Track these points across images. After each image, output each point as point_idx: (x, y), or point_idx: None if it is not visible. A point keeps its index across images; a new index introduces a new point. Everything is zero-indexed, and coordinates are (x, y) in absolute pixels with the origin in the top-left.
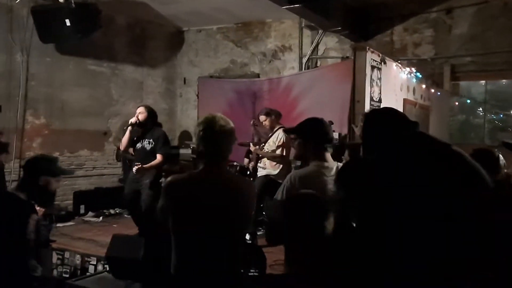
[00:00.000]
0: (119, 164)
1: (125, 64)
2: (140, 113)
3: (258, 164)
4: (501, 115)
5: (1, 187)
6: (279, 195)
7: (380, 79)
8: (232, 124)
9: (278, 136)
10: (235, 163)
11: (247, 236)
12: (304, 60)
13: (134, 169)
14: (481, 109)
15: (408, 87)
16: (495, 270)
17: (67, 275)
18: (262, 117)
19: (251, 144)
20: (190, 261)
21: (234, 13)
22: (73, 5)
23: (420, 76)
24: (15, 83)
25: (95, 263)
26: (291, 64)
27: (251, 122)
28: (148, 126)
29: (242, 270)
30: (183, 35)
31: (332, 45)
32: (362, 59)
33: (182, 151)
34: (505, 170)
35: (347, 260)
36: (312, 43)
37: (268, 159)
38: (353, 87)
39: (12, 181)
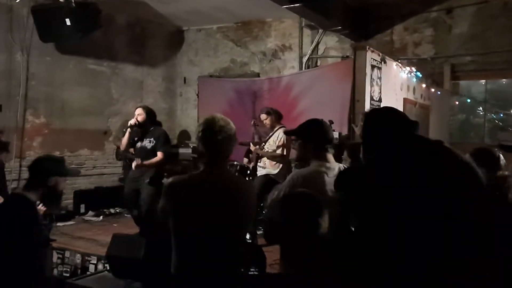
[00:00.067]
0: (119, 163)
1: (125, 63)
2: (139, 115)
3: (258, 164)
4: (501, 114)
5: (2, 186)
6: (281, 193)
7: (380, 78)
8: (232, 125)
9: (279, 136)
10: (235, 163)
11: (247, 236)
12: (304, 59)
13: (134, 164)
14: (481, 108)
15: (408, 87)
16: (494, 270)
17: (68, 274)
18: (263, 116)
19: (251, 144)
20: (190, 261)
21: (234, 12)
22: (73, 4)
23: (420, 75)
24: (15, 83)
25: (95, 262)
26: (291, 64)
27: (252, 122)
28: (148, 126)
29: (242, 270)
30: (183, 34)
31: (332, 44)
32: (362, 58)
33: (181, 150)
34: (506, 173)
35: (347, 260)
36: (312, 43)
37: (268, 158)
38: (353, 87)
39: (12, 180)
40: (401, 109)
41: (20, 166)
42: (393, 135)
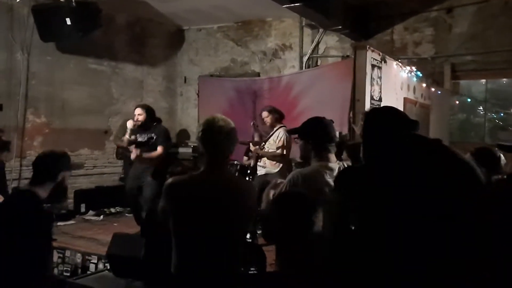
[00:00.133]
0: (120, 162)
1: (125, 62)
2: (139, 114)
3: (258, 163)
4: (502, 114)
5: (2, 185)
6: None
7: (380, 78)
8: (232, 125)
9: (279, 135)
10: (235, 162)
11: (248, 235)
12: (305, 59)
13: (132, 155)
14: (481, 108)
15: (408, 86)
16: (494, 270)
17: (68, 274)
18: (264, 113)
19: (251, 144)
20: (190, 261)
21: (234, 12)
22: (74, 3)
23: (421, 75)
24: (16, 82)
25: (96, 261)
26: (291, 63)
27: (251, 123)
28: (149, 124)
29: (242, 269)
30: (183, 34)
31: (332, 44)
32: (362, 58)
33: (182, 150)
34: (505, 176)
35: (347, 260)
36: (313, 42)
37: (268, 158)
38: (354, 86)
39: (13, 179)
40: (401, 108)
41: (21, 165)
42: (393, 135)
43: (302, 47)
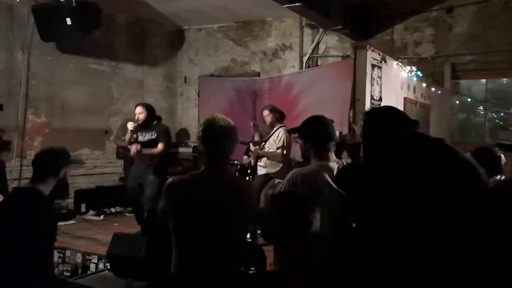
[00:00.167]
0: (120, 162)
1: (125, 62)
2: (140, 113)
3: (258, 163)
4: (502, 114)
5: (2, 185)
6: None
7: (380, 77)
8: (233, 124)
9: (279, 135)
10: (235, 162)
11: (248, 235)
12: (305, 59)
13: (132, 150)
14: (481, 107)
15: (408, 86)
16: (494, 270)
17: (68, 274)
18: (265, 112)
19: (251, 144)
20: (190, 261)
21: (234, 12)
22: (74, 3)
23: (421, 74)
24: (16, 82)
25: (96, 261)
26: (291, 63)
27: (252, 123)
28: (149, 122)
29: (242, 269)
30: (184, 34)
31: (332, 43)
32: (362, 57)
33: (182, 149)
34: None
35: (347, 259)
36: (313, 42)
37: (268, 158)
38: (354, 86)
39: (13, 179)
40: (401, 108)
41: (21, 165)
42: (394, 134)
43: (302, 47)
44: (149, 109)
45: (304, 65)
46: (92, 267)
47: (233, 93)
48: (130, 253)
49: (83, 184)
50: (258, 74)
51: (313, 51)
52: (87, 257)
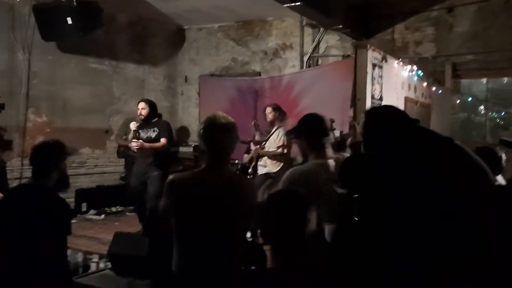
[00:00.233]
0: (121, 162)
1: (126, 62)
2: (143, 109)
3: (259, 163)
4: (503, 113)
5: (3, 185)
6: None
7: (381, 77)
8: (233, 122)
9: (279, 135)
10: (236, 161)
11: (248, 234)
12: (305, 58)
13: (135, 145)
14: (482, 107)
15: (409, 85)
16: (494, 270)
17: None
18: (268, 109)
19: (251, 144)
20: (192, 260)
21: (235, 11)
22: (75, 3)
23: (421, 74)
24: (17, 81)
25: (97, 260)
26: (292, 63)
27: (252, 123)
28: (152, 118)
29: (243, 268)
30: (184, 33)
31: (333, 43)
32: (363, 57)
33: (183, 149)
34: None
35: (348, 256)
36: (313, 41)
37: (268, 157)
38: (354, 85)
39: (14, 179)
40: (402, 107)
41: (22, 164)
42: (394, 134)
43: (302, 47)
44: (152, 105)
45: (304, 64)
46: (93, 266)
47: (233, 93)
48: (131, 252)
49: (84, 183)
50: (259, 74)
51: (313, 50)
52: (88, 256)
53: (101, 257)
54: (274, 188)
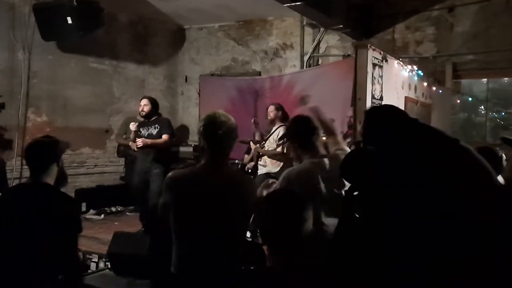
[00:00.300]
0: (121, 161)
1: (127, 61)
2: (145, 105)
3: (259, 162)
4: (503, 113)
5: (3, 184)
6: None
7: (381, 77)
8: (233, 120)
9: (279, 134)
10: (236, 161)
11: (248, 234)
12: (306, 58)
13: (138, 143)
14: (483, 107)
15: (409, 85)
16: (495, 270)
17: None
18: (270, 107)
19: (251, 143)
20: (191, 258)
21: (235, 11)
22: (75, 2)
23: (422, 74)
24: (17, 81)
25: (96, 260)
26: (292, 62)
27: (252, 120)
28: (153, 115)
29: (242, 268)
30: (185, 33)
31: (333, 43)
32: (363, 57)
33: (182, 149)
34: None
35: (348, 259)
36: (314, 41)
37: (268, 157)
38: (355, 85)
39: (14, 178)
40: (402, 107)
41: (22, 164)
42: (394, 134)
43: (303, 46)
44: (154, 102)
45: (305, 64)
46: (93, 266)
47: (234, 92)
48: (131, 252)
49: (84, 183)
50: (259, 74)
51: (314, 50)
52: (87, 256)
53: (100, 257)
54: (268, 189)
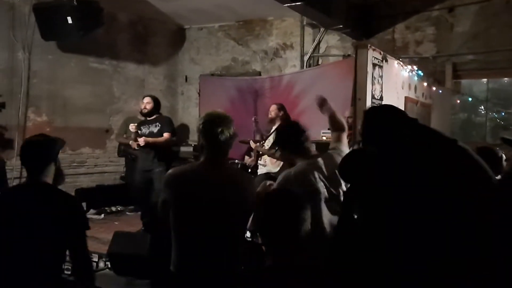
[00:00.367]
0: (121, 161)
1: (127, 61)
2: (148, 103)
3: (259, 162)
4: (503, 113)
5: (2, 184)
6: None
7: (381, 77)
8: (232, 119)
9: None
10: (236, 161)
11: (248, 234)
12: (306, 58)
13: (141, 141)
14: (482, 107)
15: (409, 85)
16: (495, 270)
17: (69, 272)
18: (273, 106)
19: (251, 142)
20: (190, 258)
21: (235, 11)
22: (75, 2)
23: (422, 74)
24: (17, 81)
25: (96, 260)
26: (292, 62)
27: (253, 119)
28: (154, 114)
29: (242, 268)
30: (185, 33)
31: (333, 43)
32: (363, 57)
33: (182, 148)
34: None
35: (347, 259)
36: (314, 41)
37: (268, 156)
38: (355, 85)
39: (14, 178)
40: (402, 107)
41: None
42: (393, 133)
43: (303, 46)
44: (157, 101)
45: (305, 64)
46: (93, 265)
47: (234, 92)
48: (131, 252)
49: (84, 183)
50: (259, 73)
51: (314, 50)
52: None
53: (100, 256)
54: (267, 189)
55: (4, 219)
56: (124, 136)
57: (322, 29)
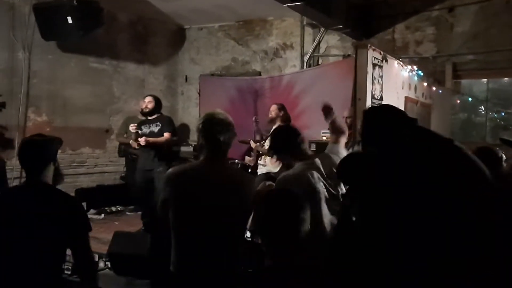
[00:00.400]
0: (121, 161)
1: (127, 61)
2: (149, 102)
3: (259, 162)
4: (503, 113)
5: (2, 184)
6: None
7: (381, 77)
8: (231, 119)
9: None
10: (236, 161)
11: (248, 234)
12: (306, 58)
13: (142, 140)
14: (482, 107)
15: (409, 85)
16: (495, 270)
17: (69, 272)
18: (273, 106)
19: (251, 142)
20: (190, 258)
21: (235, 11)
22: (75, 2)
23: (422, 74)
24: (17, 81)
25: (96, 260)
26: (292, 62)
27: (253, 118)
28: (155, 113)
29: (242, 268)
30: (185, 33)
31: (333, 43)
32: (363, 57)
33: (183, 148)
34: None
35: (347, 255)
36: (314, 41)
37: (268, 155)
38: (355, 85)
39: (14, 178)
40: (402, 107)
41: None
42: (393, 133)
43: (303, 46)
44: (158, 100)
45: (305, 64)
46: (96, 266)
47: (234, 92)
48: (131, 252)
49: (84, 183)
50: (259, 73)
51: (314, 50)
52: None
53: (100, 256)
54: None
55: (4, 219)
56: (125, 136)
57: (322, 29)
